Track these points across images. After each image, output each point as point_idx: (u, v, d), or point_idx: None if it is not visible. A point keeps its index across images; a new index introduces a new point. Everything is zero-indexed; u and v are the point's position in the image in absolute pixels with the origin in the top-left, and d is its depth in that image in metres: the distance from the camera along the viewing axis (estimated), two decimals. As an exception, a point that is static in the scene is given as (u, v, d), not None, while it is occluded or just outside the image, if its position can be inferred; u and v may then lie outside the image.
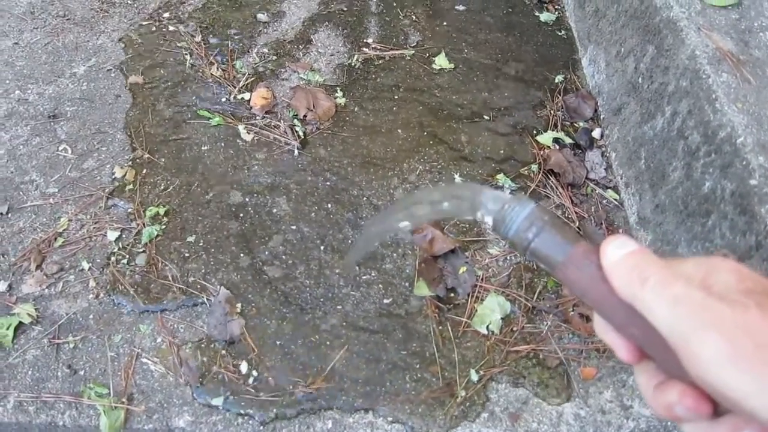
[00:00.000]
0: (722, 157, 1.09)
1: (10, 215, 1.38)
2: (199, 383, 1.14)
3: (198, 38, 1.76)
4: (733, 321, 0.30)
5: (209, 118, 1.55)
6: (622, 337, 0.38)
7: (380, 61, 1.74)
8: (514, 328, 1.22)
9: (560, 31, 1.87)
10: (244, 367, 1.16)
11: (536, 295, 1.27)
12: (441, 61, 1.73)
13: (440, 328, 1.22)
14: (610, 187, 1.48)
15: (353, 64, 1.72)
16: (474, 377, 1.15)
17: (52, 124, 1.56)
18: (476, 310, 1.23)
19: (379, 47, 1.77)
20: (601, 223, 1.41)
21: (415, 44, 1.79)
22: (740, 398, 0.30)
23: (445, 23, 1.87)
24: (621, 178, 1.47)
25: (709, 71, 1.17)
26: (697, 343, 0.31)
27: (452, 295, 1.27)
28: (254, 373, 1.16)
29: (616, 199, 1.45)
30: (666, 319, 0.33)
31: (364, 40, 1.80)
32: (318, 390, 1.13)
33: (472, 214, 0.43)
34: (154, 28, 1.81)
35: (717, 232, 1.09)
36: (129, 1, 1.90)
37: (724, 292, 0.33)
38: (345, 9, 1.89)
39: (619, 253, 0.37)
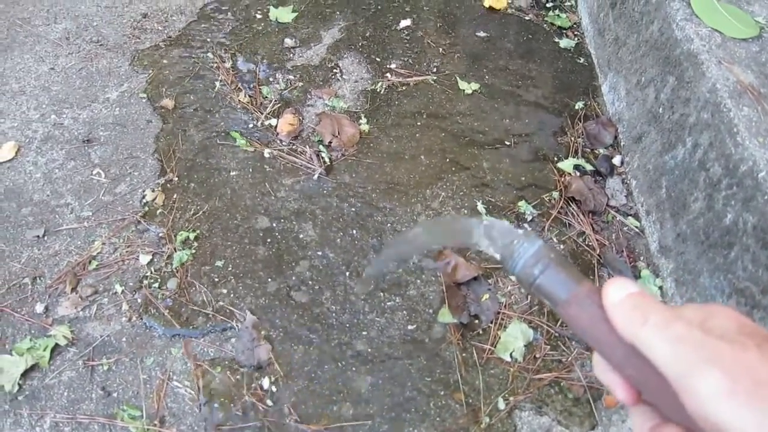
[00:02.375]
0: (744, 191, 1.11)
1: (46, 238, 1.43)
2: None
3: (227, 64, 1.81)
4: (732, 358, 0.32)
5: (238, 142, 1.60)
6: (620, 378, 0.39)
7: (403, 88, 1.77)
8: (537, 356, 1.24)
9: (580, 58, 1.90)
10: (266, 383, 1.19)
11: (559, 322, 1.28)
12: (464, 85, 1.77)
13: (464, 355, 1.25)
14: (630, 215, 1.50)
15: (377, 91, 1.76)
16: (501, 405, 1.17)
17: (86, 148, 1.61)
18: (500, 338, 1.26)
19: (401, 73, 1.81)
20: (622, 251, 1.42)
21: (436, 70, 1.83)
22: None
23: (466, 50, 1.90)
24: (642, 206, 1.48)
25: (730, 105, 1.19)
26: (697, 378, 0.32)
27: (476, 321, 1.29)
28: (278, 396, 1.19)
29: (636, 227, 1.47)
30: (666, 357, 0.34)
31: (388, 67, 1.84)
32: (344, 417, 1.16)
33: (483, 247, 0.45)
34: (183, 54, 1.86)
35: (739, 264, 1.11)
36: (159, 28, 1.96)
37: (723, 333, 0.34)
38: (368, 36, 1.94)
39: (620, 294, 0.38)
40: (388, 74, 1.81)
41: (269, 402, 1.18)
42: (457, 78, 1.80)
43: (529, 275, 0.41)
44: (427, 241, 0.51)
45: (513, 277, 1.34)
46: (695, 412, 0.33)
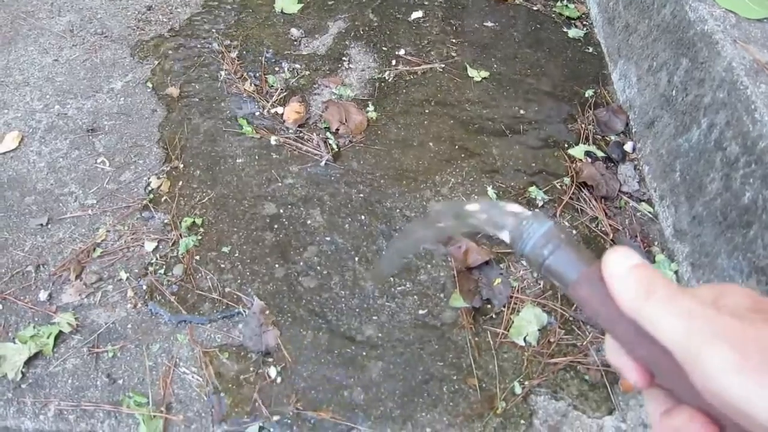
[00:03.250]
0: (763, 167, 1.08)
1: (50, 226, 1.40)
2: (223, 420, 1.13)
3: (233, 54, 1.80)
4: (743, 334, 0.30)
5: (243, 129, 1.58)
6: (632, 360, 0.37)
7: (411, 76, 1.75)
8: (551, 340, 1.21)
9: (588, 48, 1.88)
10: (273, 370, 1.17)
11: (573, 306, 1.26)
12: (473, 73, 1.75)
13: (476, 339, 1.22)
14: (643, 200, 1.47)
15: (384, 79, 1.74)
16: (517, 389, 1.14)
17: (90, 137, 1.59)
18: (513, 322, 1.23)
19: (409, 62, 1.79)
20: (636, 236, 1.40)
21: (444, 59, 1.81)
22: (748, 409, 0.29)
23: (474, 39, 1.88)
24: (655, 191, 1.46)
25: (747, 82, 1.17)
26: (705, 353, 0.31)
27: (488, 306, 1.26)
28: (286, 382, 1.16)
29: (650, 212, 1.44)
30: (673, 332, 0.33)
31: (395, 55, 1.82)
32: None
33: (492, 229, 0.44)
34: (188, 44, 1.85)
35: (759, 242, 1.08)
36: (164, 19, 1.94)
37: (734, 310, 0.32)
38: (375, 25, 1.92)
39: (623, 265, 0.36)
40: (395, 63, 1.80)
41: (277, 388, 1.15)
42: (467, 65, 1.78)
43: (538, 255, 0.40)
44: (435, 231, 0.49)
45: (523, 260, 1.32)
46: (704, 388, 0.32)
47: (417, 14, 1.95)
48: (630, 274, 0.35)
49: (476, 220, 0.45)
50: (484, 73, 1.76)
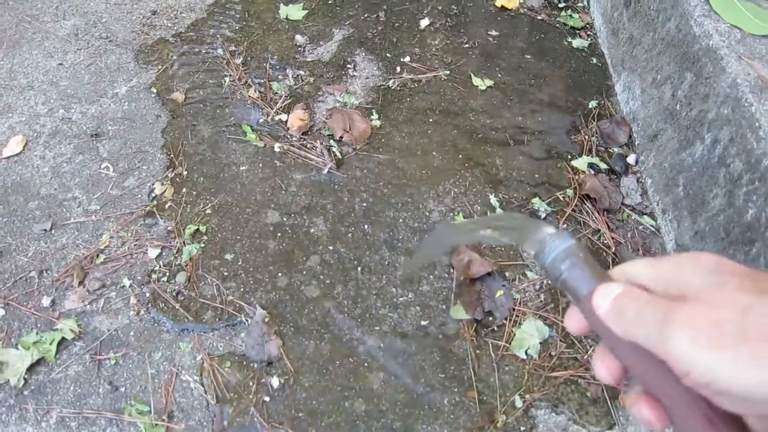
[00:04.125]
0: (766, 185, 1.08)
1: (53, 231, 1.41)
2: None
3: (237, 60, 1.80)
4: (688, 311, 0.33)
5: (248, 137, 1.58)
6: (605, 361, 0.41)
7: (415, 84, 1.76)
8: (553, 353, 1.22)
9: (592, 58, 1.88)
10: (276, 379, 1.17)
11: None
12: (477, 82, 1.75)
13: (477, 351, 1.22)
14: (646, 213, 1.47)
15: (389, 87, 1.74)
16: (518, 403, 1.14)
17: (94, 142, 1.59)
18: (514, 334, 1.23)
19: (413, 70, 1.80)
20: (638, 249, 1.40)
21: (448, 68, 1.81)
22: (714, 379, 0.31)
23: (478, 48, 1.89)
24: (657, 205, 1.46)
25: (751, 99, 1.17)
26: (665, 343, 0.33)
27: (490, 318, 1.27)
28: (288, 391, 1.16)
29: (652, 225, 1.45)
30: (642, 339, 0.36)
31: (399, 63, 1.82)
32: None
33: (518, 242, 0.47)
34: (193, 49, 1.85)
35: (761, 260, 1.08)
36: (169, 24, 1.94)
37: (683, 291, 0.35)
38: (379, 34, 1.92)
39: (606, 301, 0.39)
40: (400, 70, 1.80)
41: (279, 398, 1.16)
42: (471, 74, 1.78)
43: (556, 269, 0.43)
44: (465, 236, 0.55)
45: (537, 271, 1.32)
46: (686, 376, 0.33)
47: (423, 23, 1.96)
48: (612, 307, 0.38)
49: (505, 231, 0.48)
50: (489, 82, 1.76)
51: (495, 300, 1.28)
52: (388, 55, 1.85)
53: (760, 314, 0.31)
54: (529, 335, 1.23)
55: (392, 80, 1.76)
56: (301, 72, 1.79)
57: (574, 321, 0.43)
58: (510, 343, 1.22)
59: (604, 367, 0.41)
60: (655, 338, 0.35)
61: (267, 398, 1.15)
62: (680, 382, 0.34)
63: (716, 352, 0.31)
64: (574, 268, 0.42)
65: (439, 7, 2.03)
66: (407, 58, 1.84)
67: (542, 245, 0.44)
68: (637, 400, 0.39)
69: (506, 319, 1.26)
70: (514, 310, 1.27)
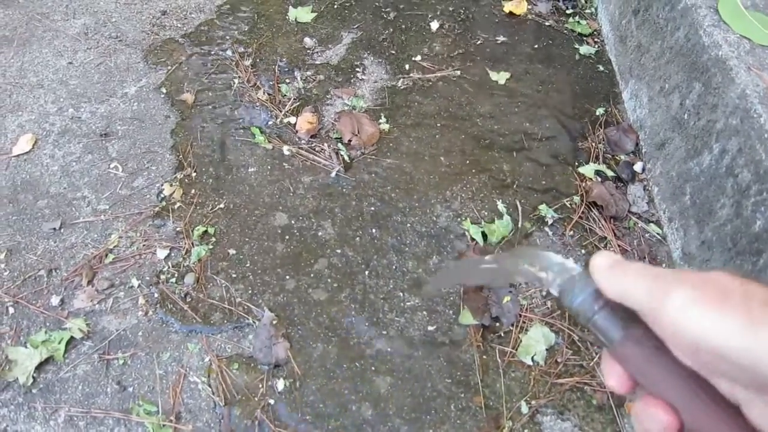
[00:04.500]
0: (775, 197, 1.09)
1: (62, 230, 1.41)
2: None
3: (246, 62, 1.81)
4: (700, 278, 0.33)
5: (256, 139, 1.59)
6: (616, 368, 0.40)
7: (423, 89, 1.76)
8: (559, 360, 1.22)
9: (600, 65, 1.89)
10: (282, 382, 1.18)
11: (580, 326, 1.27)
12: (494, 76, 1.76)
13: (484, 357, 1.23)
14: (652, 221, 1.48)
15: (397, 91, 1.75)
16: (524, 409, 1.15)
17: (103, 142, 1.60)
18: (521, 341, 1.24)
19: (421, 75, 1.80)
20: (645, 257, 1.41)
21: (456, 72, 1.82)
22: (713, 343, 0.32)
23: (486, 53, 1.89)
24: (664, 213, 1.47)
25: (760, 110, 1.18)
26: (668, 298, 0.34)
27: (497, 324, 1.27)
28: (295, 394, 1.17)
29: (658, 233, 1.45)
30: (642, 292, 0.36)
31: (407, 68, 1.83)
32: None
33: (542, 280, 0.46)
34: (202, 50, 1.86)
35: (769, 271, 1.09)
36: (178, 25, 1.95)
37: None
38: (388, 38, 1.93)
39: (605, 261, 0.40)
40: (408, 74, 1.81)
41: (286, 401, 1.16)
42: (486, 70, 1.79)
43: (587, 311, 0.42)
44: (488, 273, 0.52)
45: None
46: (674, 336, 0.34)
47: (432, 26, 1.96)
48: (611, 267, 0.39)
49: (528, 268, 0.47)
50: (496, 87, 1.77)
51: (502, 306, 1.29)
52: (396, 58, 1.86)
53: (761, 288, 0.32)
54: (536, 341, 1.23)
55: (401, 84, 1.77)
56: (310, 74, 1.80)
57: (615, 377, 0.40)
58: (516, 349, 1.23)
59: (614, 375, 0.41)
60: (651, 297, 0.35)
61: (274, 401, 1.16)
62: (731, 420, 0.34)
63: (713, 310, 0.32)
64: (605, 310, 0.41)
65: (447, 12, 2.03)
66: (415, 62, 1.84)
67: (569, 285, 0.43)
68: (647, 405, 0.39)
69: (513, 325, 1.27)
70: (520, 316, 1.28)
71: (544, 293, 1.33)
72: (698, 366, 0.35)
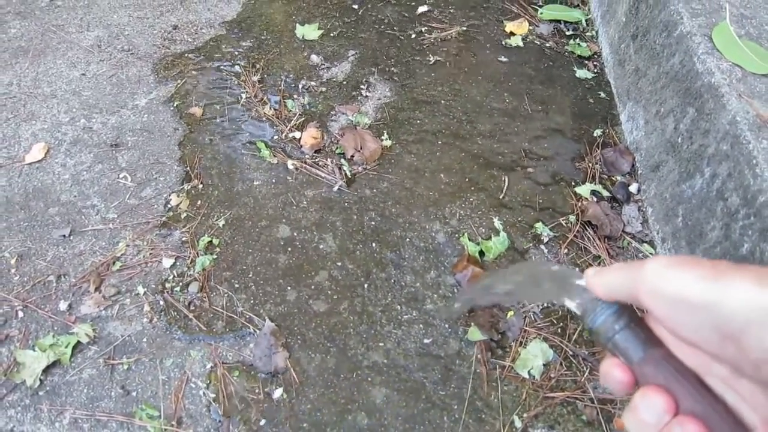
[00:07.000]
0: (762, 221, 1.13)
1: (72, 237, 1.46)
2: None
3: (254, 78, 1.86)
4: (677, 256, 0.39)
5: (262, 153, 1.63)
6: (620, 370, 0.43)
7: (425, 107, 1.81)
8: (552, 374, 1.26)
9: (599, 87, 1.93)
10: (279, 391, 1.21)
11: (573, 340, 1.30)
12: (496, 95, 1.80)
13: (479, 370, 1.26)
14: (646, 242, 1.52)
15: (400, 109, 1.80)
16: (517, 423, 1.18)
17: (113, 152, 1.65)
18: (519, 354, 1.27)
19: (424, 92, 1.85)
20: (637, 276, 1.44)
21: (458, 91, 1.86)
22: (688, 299, 0.36)
23: (487, 73, 1.94)
24: (657, 233, 1.51)
25: (749, 137, 1.22)
26: (643, 268, 0.38)
27: (501, 339, 1.31)
28: (292, 403, 1.20)
29: (652, 253, 1.49)
30: (617, 282, 0.42)
31: (411, 84, 1.88)
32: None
33: (563, 299, 0.47)
34: (211, 65, 1.91)
35: (755, 293, 1.12)
36: (189, 39, 2.01)
37: None
38: (392, 56, 1.98)
39: (593, 272, 0.45)
40: (411, 92, 1.85)
41: (284, 409, 1.20)
42: (479, 100, 1.84)
43: (608, 330, 0.43)
44: (507, 292, 0.54)
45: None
46: (654, 300, 0.38)
47: (433, 35, 2.02)
48: (597, 272, 0.44)
49: (548, 287, 0.49)
50: (496, 108, 1.81)
51: (507, 320, 1.32)
52: (399, 77, 1.91)
53: (728, 264, 0.36)
54: (534, 356, 1.27)
55: (403, 101, 1.82)
56: (316, 90, 1.85)
57: (615, 377, 0.43)
58: (514, 363, 1.26)
59: (616, 375, 0.43)
60: (630, 275, 0.40)
61: (273, 408, 1.20)
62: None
63: (685, 270, 0.36)
64: (626, 330, 0.42)
65: (449, 31, 2.09)
66: (418, 81, 1.89)
67: (591, 306, 0.44)
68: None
69: (515, 339, 1.30)
70: (521, 330, 1.31)
71: (539, 306, 1.36)
72: (683, 337, 0.38)
